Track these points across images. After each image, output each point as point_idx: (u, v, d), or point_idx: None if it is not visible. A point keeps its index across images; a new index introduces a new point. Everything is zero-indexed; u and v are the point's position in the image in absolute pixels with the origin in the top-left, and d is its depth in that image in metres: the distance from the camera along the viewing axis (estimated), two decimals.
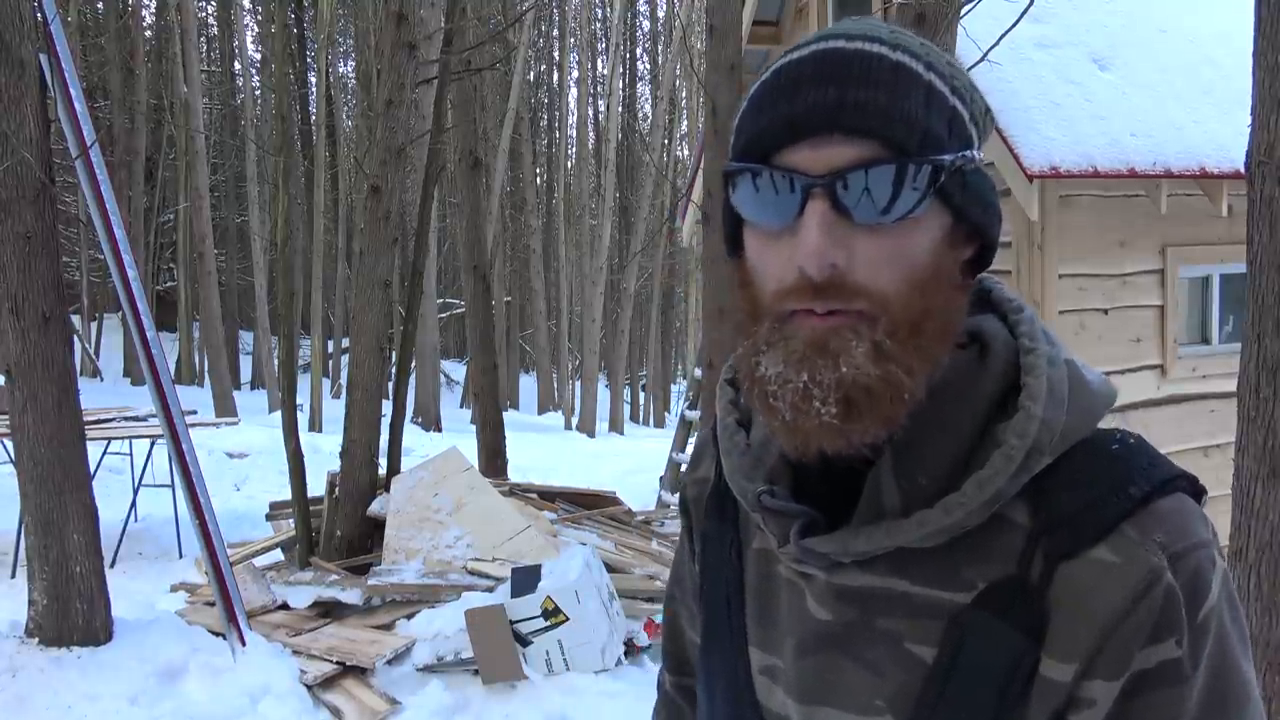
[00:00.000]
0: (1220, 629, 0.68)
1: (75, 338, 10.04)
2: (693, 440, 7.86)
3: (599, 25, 29.59)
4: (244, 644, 4.57)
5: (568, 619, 4.42)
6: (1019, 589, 0.68)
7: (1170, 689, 0.66)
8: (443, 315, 24.60)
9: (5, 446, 6.33)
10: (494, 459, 8.85)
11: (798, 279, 0.67)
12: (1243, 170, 2.61)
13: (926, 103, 0.67)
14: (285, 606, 5.18)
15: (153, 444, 7.29)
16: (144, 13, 22.64)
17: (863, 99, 0.66)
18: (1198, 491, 0.71)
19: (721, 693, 0.87)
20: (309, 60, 23.53)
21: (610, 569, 5.14)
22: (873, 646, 0.74)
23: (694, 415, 7.88)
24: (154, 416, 6.13)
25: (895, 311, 0.67)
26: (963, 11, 3.81)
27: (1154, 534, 0.67)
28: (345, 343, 22.74)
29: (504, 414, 9.83)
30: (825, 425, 0.67)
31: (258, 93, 25.33)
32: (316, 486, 6.43)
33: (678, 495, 1.01)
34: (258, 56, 27.60)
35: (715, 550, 0.89)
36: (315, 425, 16.31)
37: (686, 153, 29.37)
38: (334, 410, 15.27)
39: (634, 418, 28.30)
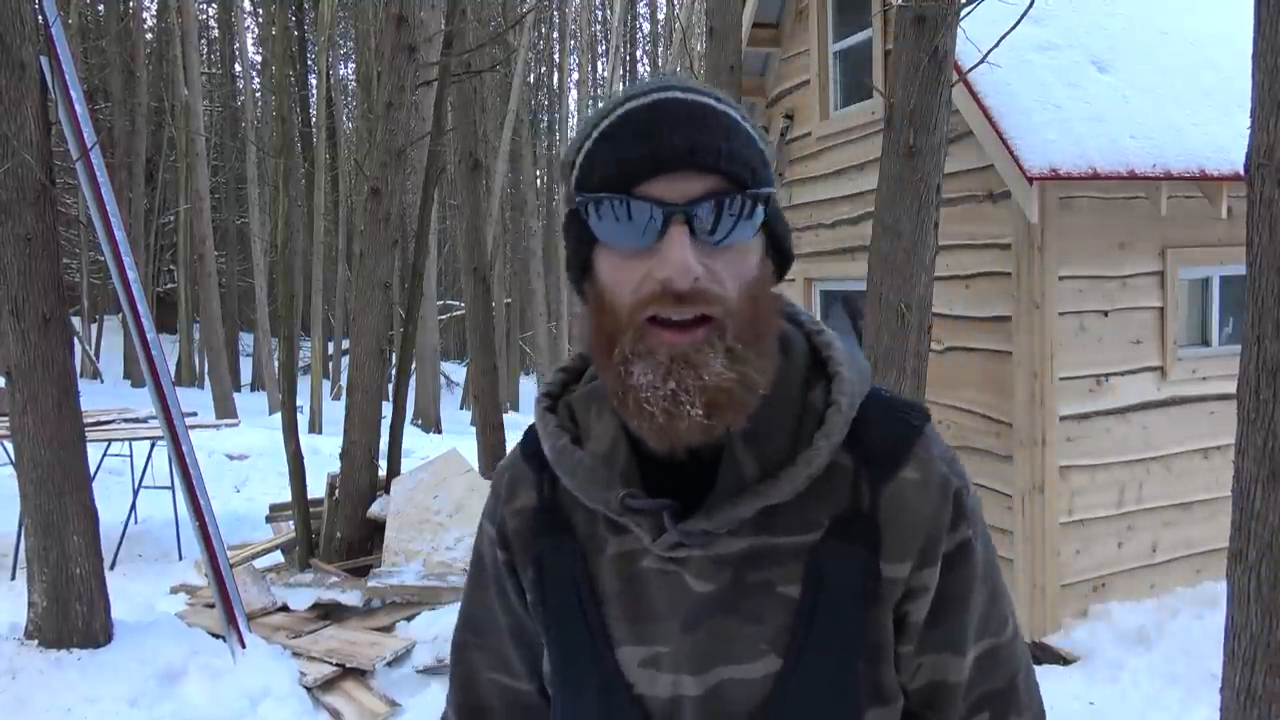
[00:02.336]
0: (980, 515, 0.92)
1: (75, 339, 10.03)
2: None
3: (599, 27, 29.61)
4: (244, 646, 4.56)
5: None
6: (855, 515, 0.86)
7: (967, 562, 0.89)
8: (443, 317, 24.59)
9: (5, 448, 6.33)
10: (494, 460, 8.84)
11: (659, 289, 0.78)
12: (1242, 172, 2.60)
13: (748, 145, 0.83)
14: (285, 608, 5.18)
15: (153, 445, 7.29)
16: (145, 15, 22.66)
17: (708, 141, 0.80)
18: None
19: (595, 697, 0.91)
20: (309, 62, 23.55)
21: None
22: (751, 599, 0.86)
23: None
24: (154, 418, 6.13)
25: (738, 318, 0.80)
26: (962, 14, 3.81)
27: (933, 451, 0.89)
28: (345, 344, 22.73)
29: (504, 415, 9.82)
30: (694, 424, 0.79)
31: (258, 95, 25.33)
32: (316, 488, 6.43)
33: (480, 536, 1.02)
34: (258, 59, 27.63)
35: (556, 569, 0.93)
36: (315, 427, 16.31)
37: None
38: (334, 412, 15.26)
39: None
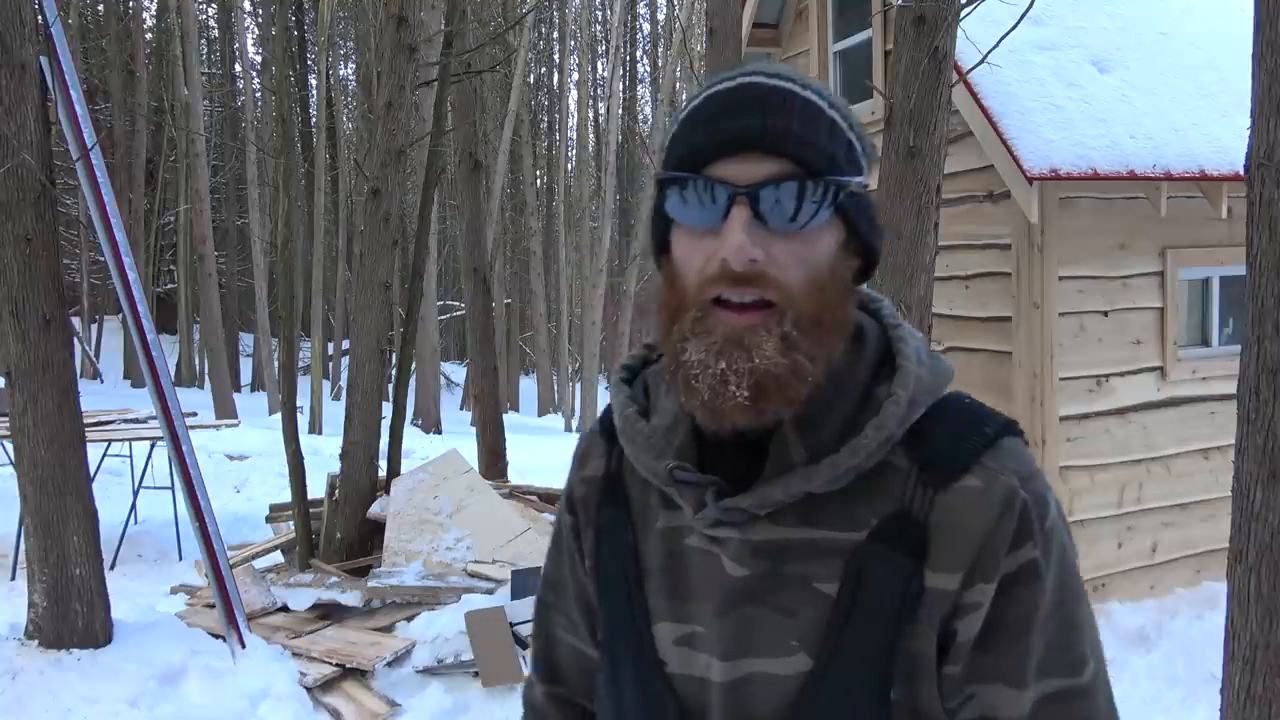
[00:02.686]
0: (1060, 539, 0.84)
1: (75, 340, 10.04)
2: None
3: (599, 27, 29.60)
4: (244, 646, 4.56)
5: None
6: (905, 519, 0.82)
7: (1031, 585, 0.81)
8: (443, 317, 24.60)
9: (5, 449, 6.33)
10: (494, 461, 8.84)
11: (720, 269, 0.79)
12: (1242, 173, 2.60)
13: (830, 133, 0.82)
14: (285, 609, 5.18)
15: (153, 446, 7.29)
16: (144, 15, 22.66)
17: (780, 125, 0.79)
18: (1024, 437, 0.88)
19: (630, 670, 0.92)
20: (309, 63, 23.55)
21: None
22: (785, 592, 0.84)
23: None
24: (154, 419, 6.13)
25: (799, 305, 0.79)
26: (962, 14, 3.81)
27: (1007, 463, 0.83)
28: (345, 345, 22.74)
29: (504, 416, 9.82)
30: (738, 405, 0.79)
31: (258, 95, 25.33)
32: (316, 489, 6.42)
33: (560, 501, 1.06)
34: (258, 59, 27.62)
35: (611, 538, 0.96)
36: (315, 427, 16.31)
37: None
38: (334, 412, 15.26)
39: None
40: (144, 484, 7.35)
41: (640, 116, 32.74)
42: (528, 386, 29.51)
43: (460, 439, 12.29)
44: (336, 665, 4.45)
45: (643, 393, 0.96)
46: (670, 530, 0.91)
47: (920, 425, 0.84)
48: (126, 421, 7.81)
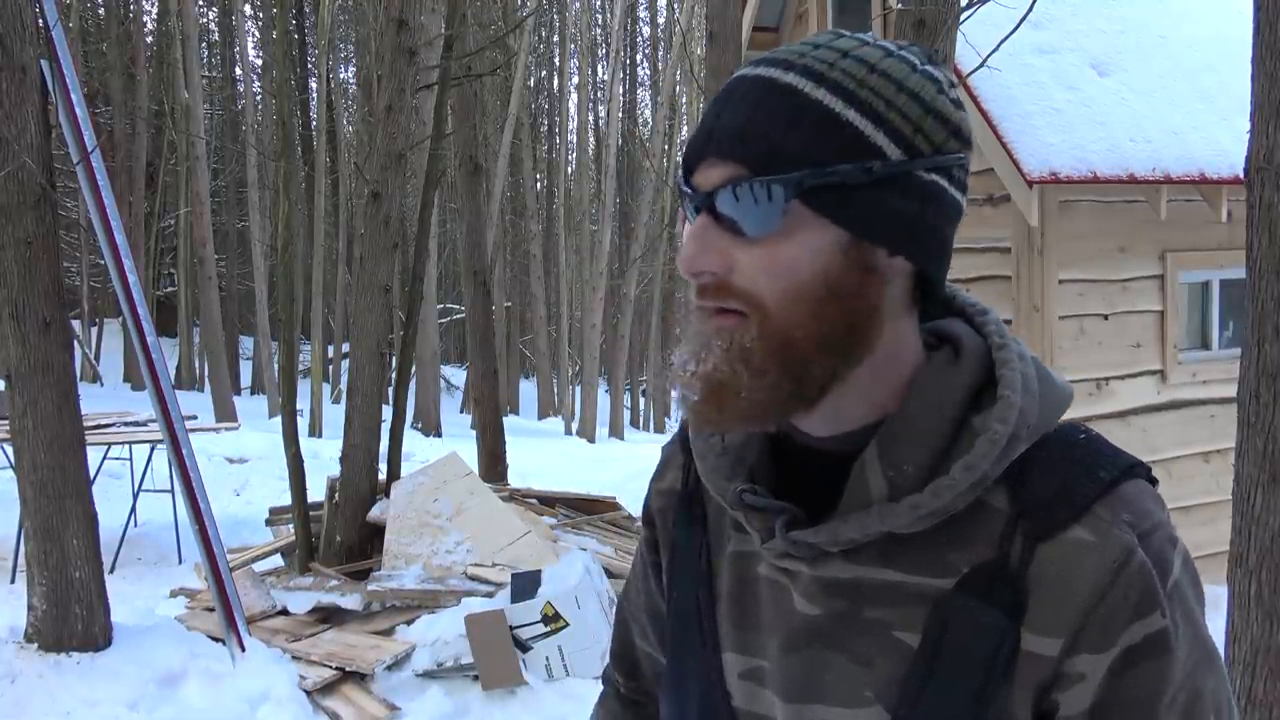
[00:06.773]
0: (1186, 599, 0.73)
1: (75, 343, 10.04)
2: None
3: (599, 31, 29.65)
4: (243, 649, 4.56)
5: (568, 624, 4.41)
6: (1000, 570, 0.72)
7: (1160, 659, 0.71)
8: (443, 320, 24.61)
9: (5, 452, 6.33)
10: (494, 464, 8.84)
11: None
12: (1242, 176, 2.61)
13: (788, 123, 0.70)
14: (285, 612, 5.17)
15: (152, 449, 7.29)
16: (145, 18, 22.69)
17: (726, 123, 0.72)
18: (1152, 479, 0.77)
19: (696, 699, 0.87)
20: (310, 66, 23.58)
21: (610, 574, 5.13)
22: (861, 637, 0.76)
23: None
24: (154, 421, 6.13)
25: (770, 318, 0.71)
26: (962, 17, 3.81)
27: (1122, 514, 0.71)
28: (345, 348, 22.74)
29: (504, 419, 9.83)
30: (696, 410, 0.74)
31: (259, 98, 25.36)
32: (316, 491, 6.42)
33: (641, 510, 1.02)
34: (259, 62, 27.65)
35: (685, 557, 0.90)
36: (315, 430, 16.30)
37: None
38: (334, 415, 15.25)
39: (634, 423, 28.30)
40: (144, 487, 7.35)
41: (640, 120, 32.77)
42: (528, 389, 29.50)
43: (460, 442, 12.29)
44: (336, 668, 4.44)
45: None
46: (741, 555, 0.85)
47: (1025, 463, 0.74)
48: (126, 424, 7.81)
